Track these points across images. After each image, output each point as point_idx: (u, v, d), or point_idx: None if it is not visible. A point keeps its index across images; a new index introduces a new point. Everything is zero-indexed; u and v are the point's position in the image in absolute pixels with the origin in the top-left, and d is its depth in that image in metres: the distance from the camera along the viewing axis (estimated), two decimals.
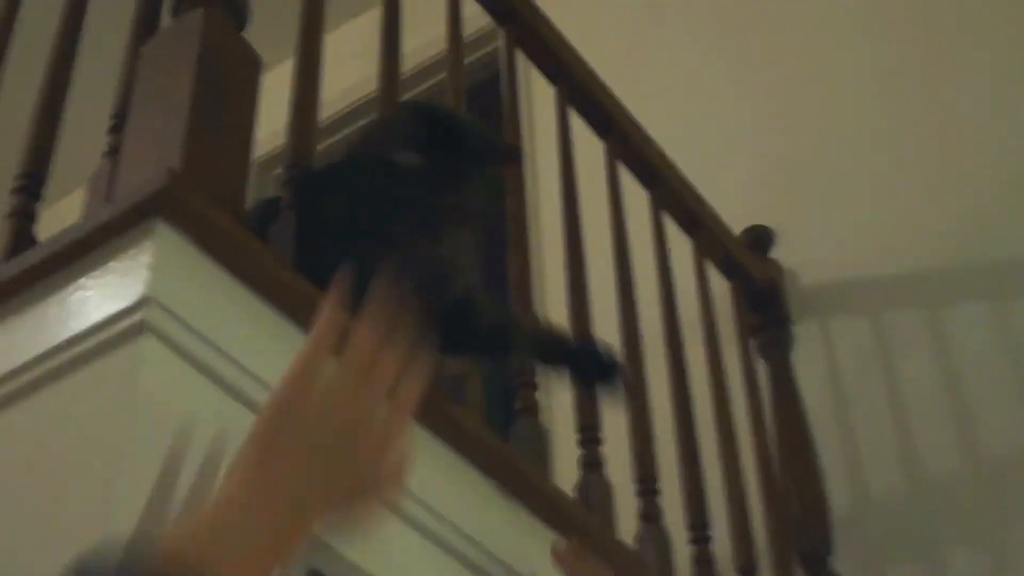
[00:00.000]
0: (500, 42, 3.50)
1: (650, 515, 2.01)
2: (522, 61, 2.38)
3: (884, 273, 2.73)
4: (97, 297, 1.21)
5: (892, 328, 2.67)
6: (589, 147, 2.42)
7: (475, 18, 2.36)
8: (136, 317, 1.17)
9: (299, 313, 1.29)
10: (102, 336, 1.18)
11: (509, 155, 1.49)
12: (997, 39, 2.80)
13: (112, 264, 1.22)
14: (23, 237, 1.53)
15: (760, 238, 2.91)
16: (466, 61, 2.24)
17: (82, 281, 1.23)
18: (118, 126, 1.51)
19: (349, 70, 2.88)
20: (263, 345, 1.27)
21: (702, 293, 2.55)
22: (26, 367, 1.21)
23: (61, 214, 3.10)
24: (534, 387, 1.86)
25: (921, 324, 2.64)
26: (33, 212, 1.57)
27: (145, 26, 1.62)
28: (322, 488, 0.88)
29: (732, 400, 2.46)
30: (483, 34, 3.38)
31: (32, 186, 1.58)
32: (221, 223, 1.26)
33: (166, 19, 1.59)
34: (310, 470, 0.87)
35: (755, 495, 2.40)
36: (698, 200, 2.65)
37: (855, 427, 2.62)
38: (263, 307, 1.29)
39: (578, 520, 1.73)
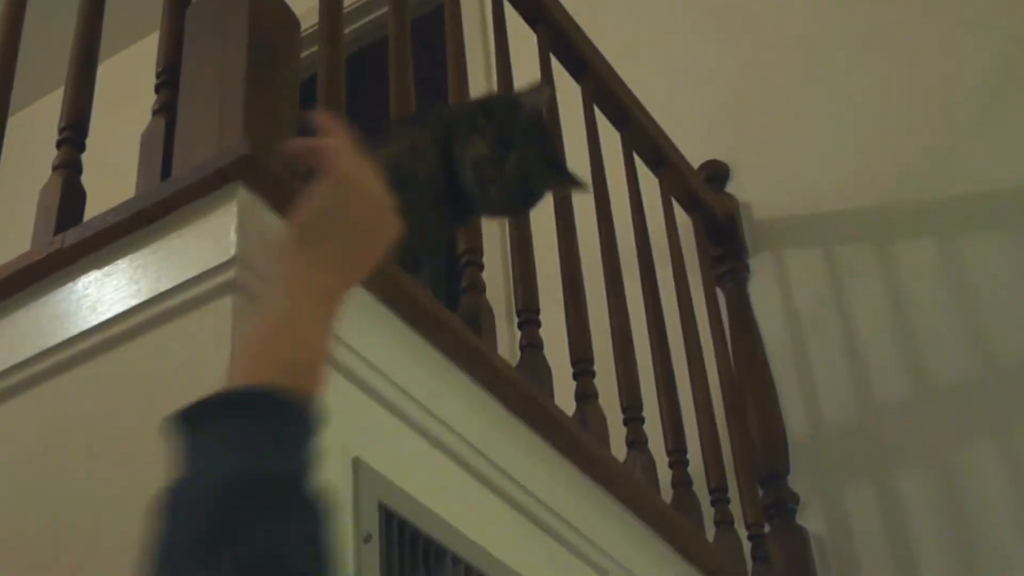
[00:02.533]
0: None
1: (637, 441, 2.15)
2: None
3: (837, 208, 2.88)
4: (185, 255, 1.30)
5: (844, 261, 2.83)
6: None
7: None
8: (227, 275, 1.27)
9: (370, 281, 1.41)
10: (194, 292, 1.28)
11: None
12: None
13: (197, 225, 1.31)
14: (72, 188, 1.61)
15: (717, 173, 3.05)
16: None
17: (168, 239, 1.32)
18: (168, 84, 1.58)
19: None
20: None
21: (669, 228, 2.68)
22: (118, 318, 1.31)
23: (30, 120, 3.13)
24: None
25: (872, 258, 2.80)
26: (79, 164, 1.65)
27: None
28: (354, 256, 1.06)
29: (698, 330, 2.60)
30: None
31: (76, 137, 1.66)
32: (295, 187, 1.35)
33: None
34: (347, 242, 1.05)
35: (720, 419, 2.55)
36: (664, 139, 2.78)
37: (810, 355, 2.78)
38: None
39: (582, 443, 1.86)
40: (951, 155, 2.77)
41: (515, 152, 1.49)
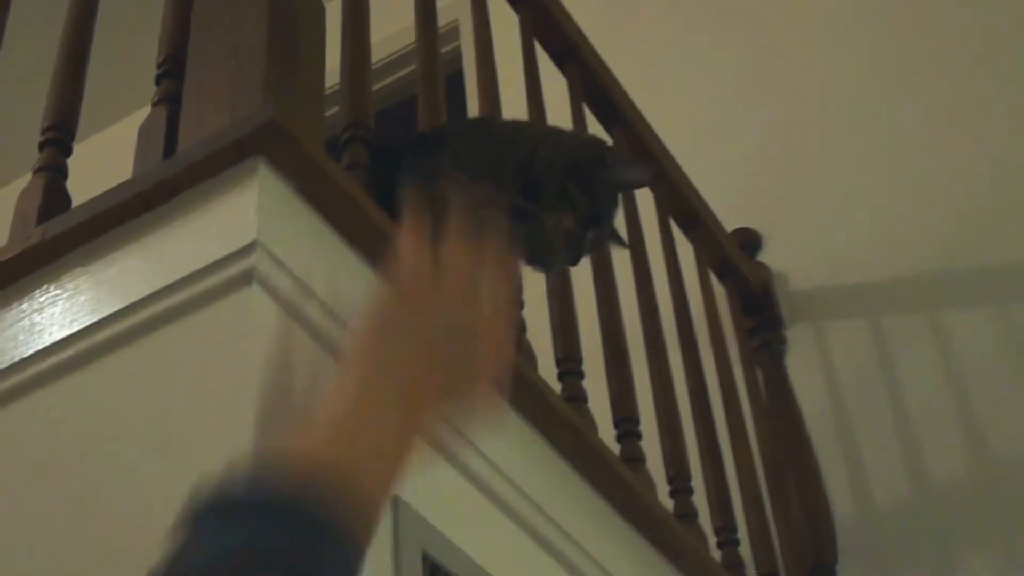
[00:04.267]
0: (462, 37, 3.46)
1: (686, 514, 1.91)
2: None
3: (879, 276, 2.67)
4: (194, 243, 1.08)
5: (890, 331, 2.61)
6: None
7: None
8: (246, 263, 1.04)
9: None
10: (206, 284, 1.05)
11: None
12: (995, 45, 2.77)
13: (209, 208, 1.09)
14: (56, 192, 1.38)
15: (748, 241, 2.84)
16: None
17: (173, 226, 1.10)
18: (170, 74, 1.37)
19: None
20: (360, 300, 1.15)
21: (707, 298, 2.46)
22: (131, 309, 1.08)
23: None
24: (581, 375, 1.76)
25: (921, 326, 2.58)
26: (64, 167, 1.42)
27: None
28: (436, 374, 0.81)
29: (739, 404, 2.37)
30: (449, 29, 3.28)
31: (61, 138, 1.43)
32: (326, 167, 1.13)
33: None
34: (425, 355, 0.81)
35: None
36: (698, 199, 2.57)
37: (856, 432, 2.55)
38: (358, 260, 1.17)
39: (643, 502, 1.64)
40: (997, 217, 2.57)
41: (594, 230, 1.31)
